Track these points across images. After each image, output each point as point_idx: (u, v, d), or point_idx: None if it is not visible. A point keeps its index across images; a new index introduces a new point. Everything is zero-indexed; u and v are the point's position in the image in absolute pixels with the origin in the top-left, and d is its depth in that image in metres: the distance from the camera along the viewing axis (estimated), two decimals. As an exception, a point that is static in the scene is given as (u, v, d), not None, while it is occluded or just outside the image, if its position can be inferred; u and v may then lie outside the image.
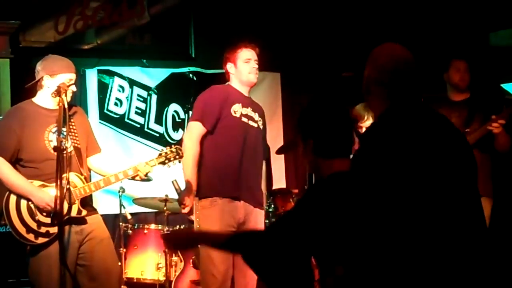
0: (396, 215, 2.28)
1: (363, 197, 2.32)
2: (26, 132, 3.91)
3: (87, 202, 4.03)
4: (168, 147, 4.21)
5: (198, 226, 4.77)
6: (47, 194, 3.79)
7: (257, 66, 4.41)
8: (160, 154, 4.14)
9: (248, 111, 4.38)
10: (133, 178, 4.10)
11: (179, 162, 4.23)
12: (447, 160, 2.35)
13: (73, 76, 3.99)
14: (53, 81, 3.94)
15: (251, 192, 4.33)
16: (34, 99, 4.06)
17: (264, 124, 4.54)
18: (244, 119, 4.34)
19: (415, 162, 2.31)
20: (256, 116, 4.43)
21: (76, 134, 4.03)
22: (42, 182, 3.87)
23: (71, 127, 3.99)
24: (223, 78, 4.58)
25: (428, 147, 2.35)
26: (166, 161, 4.13)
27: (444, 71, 5.07)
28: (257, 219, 4.38)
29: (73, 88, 3.97)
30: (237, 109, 4.31)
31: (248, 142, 4.32)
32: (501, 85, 6.28)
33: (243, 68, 4.36)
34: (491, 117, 4.67)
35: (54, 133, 3.89)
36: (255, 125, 4.40)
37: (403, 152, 2.33)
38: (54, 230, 3.77)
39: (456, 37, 6.40)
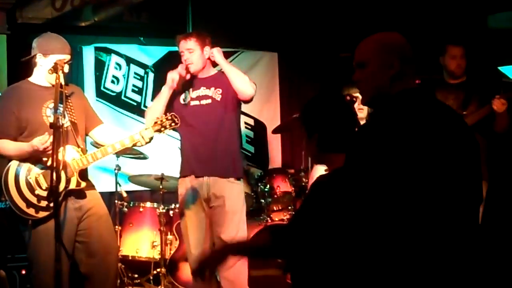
0: (397, 210, 2.21)
1: (363, 190, 2.26)
2: (24, 110, 3.92)
3: (85, 176, 4.03)
4: (163, 115, 4.20)
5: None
6: (40, 137, 3.76)
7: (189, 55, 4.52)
8: (155, 122, 4.09)
9: (200, 91, 4.53)
10: (128, 152, 4.06)
11: (174, 130, 4.32)
12: (450, 149, 2.27)
13: (66, 57, 3.94)
14: (46, 60, 3.94)
15: (209, 164, 4.47)
16: (29, 79, 4.06)
17: (224, 90, 4.50)
18: (194, 102, 4.52)
19: (419, 153, 2.23)
20: (210, 92, 4.52)
21: (73, 109, 4.02)
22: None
23: (67, 102, 3.98)
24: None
25: (431, 136, 2.26)
26: (162, 128, 4.08)
27: (440, 54, 5.05)
28: (224, 191, 4.46)
29: (65, 69, 3.90)
30: (185, 97, 4.54)
31: (199, 121, 4.49)
32: (499, 67, 6.28)
33: None
34: (494, 97, 4.66)
35: (51, 109, 3.89)
36: (209, 101, 4.51)
37: (407, 140, 2.24)
38: (54, 203, 3.78)
39: (454, 20, 6.38)
